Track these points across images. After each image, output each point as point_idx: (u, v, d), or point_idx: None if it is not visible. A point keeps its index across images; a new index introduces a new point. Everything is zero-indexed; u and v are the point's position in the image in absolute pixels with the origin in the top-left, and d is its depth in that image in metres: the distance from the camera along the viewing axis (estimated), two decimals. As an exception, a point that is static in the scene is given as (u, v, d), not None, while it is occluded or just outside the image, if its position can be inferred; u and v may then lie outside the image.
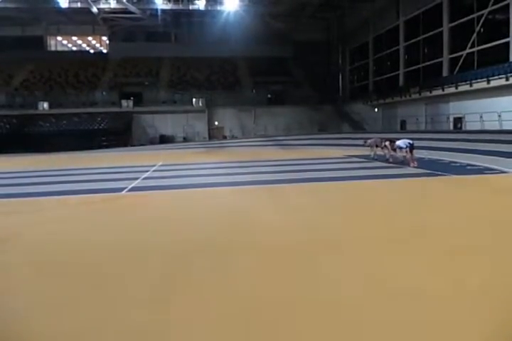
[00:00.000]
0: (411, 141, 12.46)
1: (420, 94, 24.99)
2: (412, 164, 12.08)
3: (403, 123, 28.29)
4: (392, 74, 31.50)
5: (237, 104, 34.47)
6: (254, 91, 37.18)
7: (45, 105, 32.78)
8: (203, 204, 7.33)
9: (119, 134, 30.54)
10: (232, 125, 34.50)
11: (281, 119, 33.62)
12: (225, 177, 11.24)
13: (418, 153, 13.22)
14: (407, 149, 12.29)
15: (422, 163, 12.27)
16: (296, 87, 37.19)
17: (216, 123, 34.66)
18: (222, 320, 2.75)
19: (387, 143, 13.87)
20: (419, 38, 27.87)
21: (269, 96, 37.61)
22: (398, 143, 12.85)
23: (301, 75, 38.78)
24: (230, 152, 23.53)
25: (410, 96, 25.98)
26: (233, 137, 33.69)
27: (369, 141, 15.40)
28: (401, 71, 30.11)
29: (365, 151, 16.10)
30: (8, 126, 30.69)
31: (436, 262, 3.72)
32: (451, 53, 24.64)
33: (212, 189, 9.11)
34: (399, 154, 13.41)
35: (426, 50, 27.78)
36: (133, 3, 34.40)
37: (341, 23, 39.71)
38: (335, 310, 2.84)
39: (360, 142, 16.52)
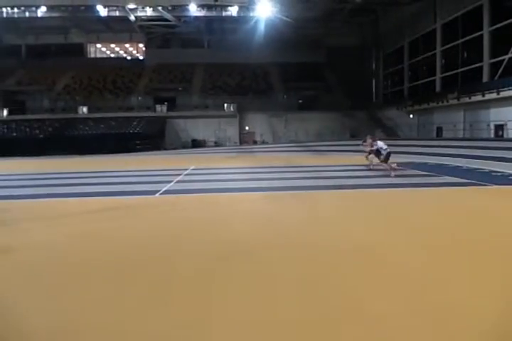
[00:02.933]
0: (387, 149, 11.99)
1: (458, 100, 24.13)
2: (392, 173, 11.65)
3: (439, 130, 27.38)
4: (428, 79, 30.63)
5: (269, 110, 34.60)
6: (285, 96, 37.25)
7: (85, 109, 34.29)
8: (235, 209, 7.37)
9: (153, 138, 31.38)
10: (263, 130, 34.63)
11: (312, 125, 33.40)
12: (256, 182, 11.26)
13: (456, 162, 12.74)
14: (383, 157, 11.89)
15: (461, 172, 11.81)
16: (328, 93, 36.93)
17: (247, 128, 34.91)
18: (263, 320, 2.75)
19: (369, 140, 13.08)
20: (457, 42, 26.97)
21: (300, 101, 37.53)
22: (380, 143, 12.33)
23: (333, 81, 38.51)
24: (261, 157, 23.60)
25: (448, 102, 25.14)
26: (264, 142, 33.78)
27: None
28: (438, 76, 29.23)
29: (401, 159, 15.68)
30: (50, 129, 32.28)
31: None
32: (492, 57, 23.65)
33: (244, 194, 9.16)
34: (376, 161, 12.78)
35: (465, 55, 26.83)
36: (168, 11, 35.45)
37: (375, 27, 39.16)
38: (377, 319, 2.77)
39: (395, 149, 16.08)
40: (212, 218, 6.59)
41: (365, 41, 41.21)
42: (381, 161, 12.27)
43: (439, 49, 28.93)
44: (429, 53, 30.16)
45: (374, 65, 39.95)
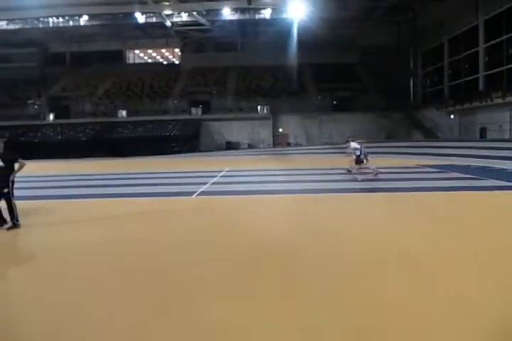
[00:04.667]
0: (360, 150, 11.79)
1: (504, 99, 22.89)
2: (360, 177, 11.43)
3: (483, 131, 26.09)
4: (470, 77, 29.30)
5: (302, 111, 34.40)
6: (319, 98, 36.90)
7: (124, 113, 35.60)
8: (270, 211, 7.38)
9: (188, 140, 32.06)
10: (297, 132, 34.46)
11: (347, 126, 32.83)
12: (290, 184, 11.23)
13: (501, 164, 12.11)
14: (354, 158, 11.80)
15: (507, 176, 11.21)
16: (363, 93, 36.22)
17: (280, 130, 34.88)
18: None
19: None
20: (501, 38, 25.63)
21: (334, 102, 37.04)
22: (353, 144, 12.26)
23: (368, 81, 37.74)
24: (295, 159, 23.51)
25: (492, 101, 23.91)
26: (297, 144, 33.61)
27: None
28: (481, 74, 27.88)
29: (442, 161, 15.11)
30: (92, 132, 33.79)
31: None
32: (541, 54, 22.31)
33: (279, 196, 9.16)
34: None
35: (510, 51, 25.44)
36: (203, 16, 36.10)
37: (412, 25, 37.99)
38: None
39: (433, 151, 15.53)
40: (248, 220, 6.64)
41: (401, 40, 40.08)
42: (355, 163, 12.32)
43: (481, 46, 27.60)
44: (471, 50, 28.85)
45: (412, 64, 38.70)
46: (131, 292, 3.55)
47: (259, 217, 6.88)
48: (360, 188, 9.83)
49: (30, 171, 17.72)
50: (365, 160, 12.24)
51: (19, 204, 6.40)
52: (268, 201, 8.60)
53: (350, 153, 12.75)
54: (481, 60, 27.79)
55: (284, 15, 35.31)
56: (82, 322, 2.98)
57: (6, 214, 6.21)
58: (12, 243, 5.70)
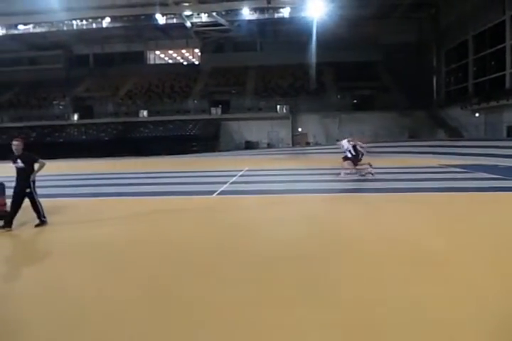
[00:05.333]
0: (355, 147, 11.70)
1: (532, 97, 22.11)
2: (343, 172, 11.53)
3: (510, 130, 25.24)
4: (496, 74, 28.39)
5: (322, 110, 34.15)
6: (339, 97, 36.53)
7: (145, 113, 36.24)
8: (290, 211, 7.35)
9: (207, 140, 32.33)
10: (316, 131, 34.22)
11: (367, 126, 32.38)
12: (309, 183, 11.17)
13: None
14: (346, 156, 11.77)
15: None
16: (384, 92, 35.65)
17: (300, 129, 34.72)
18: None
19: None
20: (531, 34, 24.76)
21: (354, 101, 36.59)
22: (343, 142, 12.20)
23: (389, 79, 37.14)
24: (314, 159, 23.36)
25: (519, 99, 23.14)
26: (317, 144, 33.37)
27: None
28: (507, 71, 26.95)
29: (466, 161, 14.71)
30: (115, 132, 34.52)
31: None
32: None
33: (298, 195, 9.12)
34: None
35: (539, 47, 24.53)
36: (222, 16, 36.31)
37: (435, 22, 37.14)
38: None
39: (457, 151, 15.13)
40: (268, 219, 6.64)
41: (423, 37, 39.21)
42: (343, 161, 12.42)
43: (508, 42, 26.68)
44: (498, 47, 27.93)
45: (435, 62, 37.81)
46: (157, 291, 3.61)
47: (281, 216, 6.86)
48: (382, 188, 9.67)
49: (55, 170, 18.24)
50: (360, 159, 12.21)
51: (46, 202, 6.60)
52: (288, 200, 8.57)
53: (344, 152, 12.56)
54: (508, 56, 26.88)
55: (303, 14, 35.14)
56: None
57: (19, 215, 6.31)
58: (40, 240, 5.87)
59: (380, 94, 35.62)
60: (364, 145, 12.86)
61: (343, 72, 37.77)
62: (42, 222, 6.37)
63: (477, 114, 28.98)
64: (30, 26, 37.42)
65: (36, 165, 6.33)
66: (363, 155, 12.71)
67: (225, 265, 4.22)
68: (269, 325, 2.83)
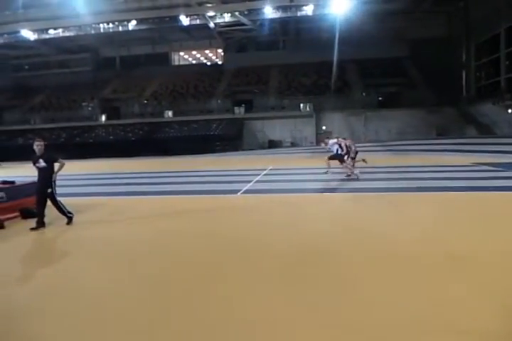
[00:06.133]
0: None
1: None
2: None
3: (546, 126, 24.11)
4: (531, 68, 27.17)
5: (346, 108, 33.67)
6: (364, 94, 35.92)
7: (170, 113, 36.83)
8: (315, 210, 7.27)
9: (231, 139, 32.50)
10: (341, 129, 33.70)
11: (394, 123, 31.68)
12: (335, 183, 11.02)
13: None
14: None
15: None
16: (411, 88, 34.76)
17: (324, 127, 34.35)
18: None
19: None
20: None
21: (380, 99, 35.87)
22: (330, 142, 12.05)
23: (416, 75, 36.20)
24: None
25: (556, 93, 22.00)
26: (342, 142, 32.92)
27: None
28: (543, 65, 25.75)
29: (499, 159, 14.13)
30: (141, 132, 35.27)
31: None
32: None
33: (323, 195, 9.02)
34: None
35: None
36: (244, 16, 36.35)
37: (465, 15, 35.85)
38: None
39: (490, 148, 14.55)
40: (293, 219, 6.59)
41: (452, 31, 37.95)
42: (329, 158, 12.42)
43: (544, 34, 25.48)
44: (533, 39, 26.72)
45: (464, 57, 36.53)
46: (188, 289, 3.65)
47: (306, 214, 6.80)
48: (410, 187, 9.42)
49: (84, 169, 18.79)
50: (347, 159, 12.19)
51: (75, 201, 6.79)
52: (314, 199, 8.49)
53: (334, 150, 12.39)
54: (544, 49, 25.67)
55: (327, 11, 34.70)
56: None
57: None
58: (75, 237, 6.05)
59: (406, 90, 34.76)
60: (351, 144, 12.87)
61: (367, 69, 37.14)
62: (69, 218, 6.55)
63: (510, 110, 27.79)
64: (60, 30, 38.67)
65: (56, 165, 6.42)
66: (357, 153, 13.11)
67: (249, 262, 4.22)
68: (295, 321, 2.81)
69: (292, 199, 8.68)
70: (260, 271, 3.98)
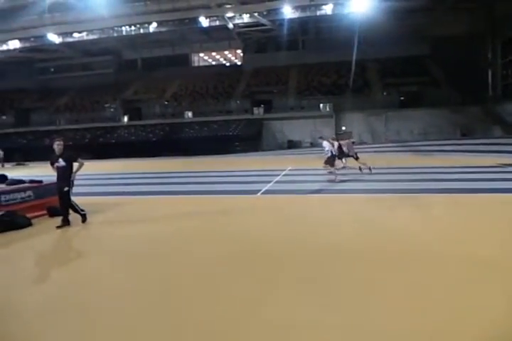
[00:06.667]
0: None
1: None
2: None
3: None
4: (561, 65, 26.10)
5: (367, 108, 33.20)
6: (384, 93, 35.36)
7: (190, 114, 37.22)
8: (335, 211, 7.21)
9: (250, 140, 32.55)
10: (361, 130, 33.33)
11: (416, 123, 31.03)
12: (355, 183, 10.89)
13: None
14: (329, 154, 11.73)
15: None
16: (433, 88, 33.97)
17: (344, 128, 33.99)
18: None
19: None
20: None
21: (401, 98, 35.22)
22: (324, 143, 12.06)
23: (439, 74, 35.36)
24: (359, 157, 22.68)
25: None
26: (362, 142, 32.50)
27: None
28: None
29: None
30: (162, 133, 35.78)
31: None
32: None
33: (343, 195, 8.93)
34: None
35: None
36: (263, 16, 36.32)
37: (490, 11, 34.83)
38: None
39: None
40: (313, 219, 6.55)
41: (476, 28, 36.83)
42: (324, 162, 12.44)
43: None
44: None
45: (490, 54, 35.49)
46: (209, 288, 3.68)
47: (327, 215, 6.76)
48: (433, 189, 9.21)
49: (107, 169, 19.20)
50: (342, 160, 12.50)
51: (99, 200, 6.94)
52: (335, 200, 8.42)
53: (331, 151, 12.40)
54: None
55: (347, 10, 34.31)
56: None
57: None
58: (93, 236, 6.19)
59: (428, 89, 34.00)
60: (348, 145, 13.20)
61: (388, 68, 36.54)
62: (83, 215, 6.66)
63: (539, 109, 26.85)
64: (84, 34, 39.60)
65: (75, 165, 6.53)
66: (356, 154, 13.26)
67: (273, 262, 4.22)
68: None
69: (313, 199, 8.63)
70: (286, 272, 3.97)
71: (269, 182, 11.69)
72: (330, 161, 12.02)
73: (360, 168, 13.11)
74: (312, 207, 7.80)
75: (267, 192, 9.82)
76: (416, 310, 2.97)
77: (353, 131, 33.70)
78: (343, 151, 12.73)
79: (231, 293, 3.48)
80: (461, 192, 8.63)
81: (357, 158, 13.22)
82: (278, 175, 13.81)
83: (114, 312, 3.17)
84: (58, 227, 6.38)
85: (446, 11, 34.99)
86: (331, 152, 11.96)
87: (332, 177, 11.76)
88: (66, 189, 6.36)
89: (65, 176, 6.39)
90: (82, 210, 6.70)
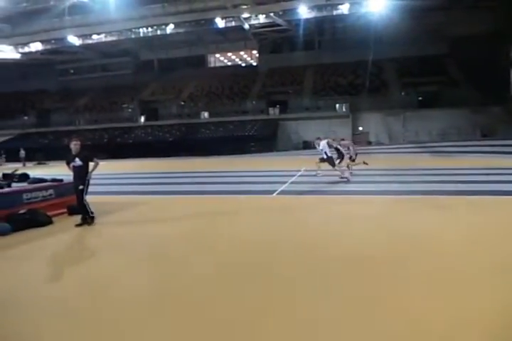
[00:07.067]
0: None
1: None
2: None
3: None
4: None
5: (384, 108, 32.77)
6: (402, 93, 34.83)
7: (206, 114, 37.49)
8: (351, 212, 7.12)
9: (266, 140, 32.53)
10: (378, 130, 32.91)
11: (435, 124, 30.44)
12: (371, 184, 10.74)
13: None
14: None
15: None
16: (452, 87, 33.28)
17: (360, 128, 33.64)
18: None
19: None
20: None
21: (420, 98, 34.62)
22: (322, 143, 11.92)
23: (458, 73, 34.62)
24: (376, 158, 22.45)
25: None
26: (379, 143, 32.11)
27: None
28: None
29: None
30: (178, 133, 36.14)
31: None
32: None
33: (359, 197, 8.83)
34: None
35: None
36: (279, 16, 36.27)
37: (511, 9, 33.87)
38: None
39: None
40: (329, 221, 6.50)
41: (497, 27, 35.92)
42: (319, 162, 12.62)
43: None
44: None
45: (511, 53, 34.50)
46: (230, 290, 3.68)
47: (344, 216, 6.69)
48: (452, 191, 9.01)
49: (124, 169, 19.46)
50: (338, 161, 12.44)
51: (117, 199, 7.04)
52: (351, 201, 8.33)
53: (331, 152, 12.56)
54: None
55: (363, 9, 33.96)
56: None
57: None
58: (110, 234, 6.29)
59: (447, 89, 33.32)
60: (350, 145, 13.58)
61: (406, 68, 36.00)
62: (92, 217, 6.67)
63: None
64: (103, 36, 40.36)
65: (91, 165, 6.62)
66: (356, 155, 13.56)
67: (286, 264, 4.20)
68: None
69: (329, 200, 8.56)
70: (304, 274, 3.95)
71: (285, 182, 11.65)
72: (331, 162, 12.04)
73: (348, 166, 13.43)
74: (328, 208, 7.72)
75: (282, 192, 9.78)
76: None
77: (370, 131, 33.35)
78: (341, 152, 13.06)
79: (250, 295, 3.47)
80: (483, 194, 8.42)
81: (353, 160, 13.54)
82: (294, 175, 13.74)
83: (123, 314, 3.21)
84: (77, 225, 6.51)
85: (465, 9, 34.27)
86: (325, 153, 12.01)
87: (346, 176, 11.77)
88: (81, 187, 6.48)
89: (81, 175, 6.51)
90: (92, 212, 6.73)
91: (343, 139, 14.95)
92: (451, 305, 3.03)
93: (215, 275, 3.97)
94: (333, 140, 13.45)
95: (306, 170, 15.73)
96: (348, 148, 13.74)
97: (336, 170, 12.10)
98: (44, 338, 2.83)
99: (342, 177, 11.80)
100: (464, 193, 8.56)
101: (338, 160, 12.86)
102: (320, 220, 6.52)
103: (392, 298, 3.21)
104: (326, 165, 12.51)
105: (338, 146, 13.06)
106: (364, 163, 13.83)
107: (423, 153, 23.20)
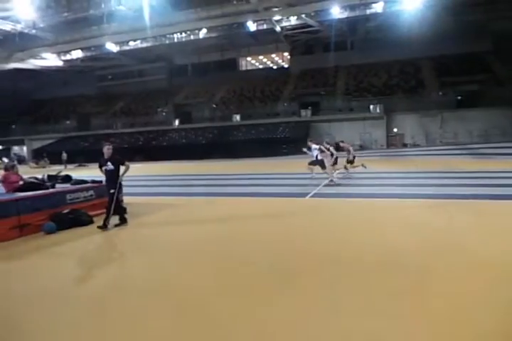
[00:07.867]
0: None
1: None
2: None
3: None
4: None
5: (420, 109, 31.73)
6: (440, 93, 33.59)
7: (238, 117, 37.79)
8: (386, 216, 6.94)
9: (298, 142, 32.26)
10: (414, 132, 31.89)
11: (475, 124, 29.12)
12: (407, 188, 10.40)
13: None
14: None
15: None
16: (495, 86, 31.70)
17: (395, 130, 32.76)
18: None
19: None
20: None
21: (459, 98, 33.24)
22: (314, 146, 11.75)
23: (502, 71, 32.97)
24: (412, 161, 21.78)
25: None
26: (415, 145, 31.10)
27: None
28: None
29: None
30: (211, 136, 36.71)
31: None
32: None
33: (394, 200, 8.57)
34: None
35: None
36: (311, 17, 35.94)
37: (560, 2, 31.88)
38: None
39: None
40: (363, 224, 6.36)
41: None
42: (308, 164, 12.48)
43: None
44: None
45: (561, 48, 32.50)
46: (260, 288, 3.69)
47: (379, 221, 6.52)
48: (489, 194, 8.57)
49: (159, 171, 19.96)
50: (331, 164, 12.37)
51: (152, 200, 7.21)
52: (386, 205, 8.10)
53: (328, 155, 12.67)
54: None
55: (398, 7, 33.01)
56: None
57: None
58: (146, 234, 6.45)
59: (490, 88, 31.76)
60: (348, 147, 13.78)
61: (445, 66, 34.73)
62: (105, 225, 6.53)
63: None
64: (138, 42, 41.67)
65: (122, 168, 6.78)
66: (354, 158, 13.76)
67: (330, 267, 4.14)
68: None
69: (363, 203, 8.38)
70: (340, 278, 3.89)
71: (318, 185, 11.53)
72: (322, 164, 12.00)
73: (345, 167, 13.62)
74: (362, 211, 7.56)
75: (315, 195, 9.69)
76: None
77: (406, 132, 32.43)
78: (334, 155, 13.06)
79: (289, 296, 3.46)
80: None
81: (352, 163, 13.74)
82: (326, 178, 13.55)
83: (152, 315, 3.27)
84: (116, 225, 6.76)
85: (507, 4, 32.58)
86: (316, 156, 11.99)
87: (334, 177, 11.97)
88: (112, 191, 6.62)
89: (113, 179, 6.69)
90: (108, 223, 6.57)
91: (342, 141, 15.39)
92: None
93: (248, 274, 3.99)
94: (328, 143, 13.34)
95: (340, 173, 15.49)
96: (349, 151, 13.91)
97: (325, 172, 12.05)
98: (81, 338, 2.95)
99: (331, 181, 11.83)
100: (504, 198, 8.12)
101: (330, 163, 12.77)
102: (356, 224, 6.39)
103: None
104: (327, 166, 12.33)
105: (331, 149, 12.99)
106: (362, 165, 14.03)
107: (463, 154, 22.22)
